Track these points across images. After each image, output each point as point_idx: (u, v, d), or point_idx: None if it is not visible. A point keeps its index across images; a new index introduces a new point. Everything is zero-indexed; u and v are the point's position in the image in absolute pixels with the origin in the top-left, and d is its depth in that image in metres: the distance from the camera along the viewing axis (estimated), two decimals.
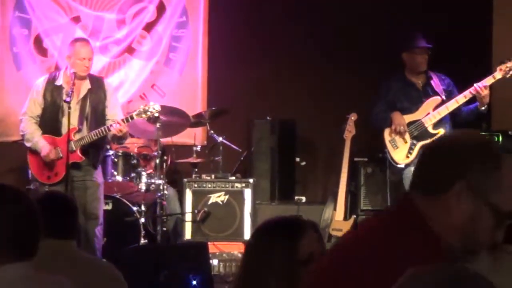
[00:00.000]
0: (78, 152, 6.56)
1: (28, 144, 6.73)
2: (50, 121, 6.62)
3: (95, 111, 6.67)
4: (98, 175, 6.74)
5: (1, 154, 8.50)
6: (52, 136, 6.61)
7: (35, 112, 6.67)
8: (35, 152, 6.66)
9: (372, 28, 8.92)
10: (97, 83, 6.75)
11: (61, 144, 6.53)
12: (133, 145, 7.86)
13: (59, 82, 6.66)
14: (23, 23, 8.76)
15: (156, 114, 6.91)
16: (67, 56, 6.81)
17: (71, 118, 6.50)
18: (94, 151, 6.68)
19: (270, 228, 2.45)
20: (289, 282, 2.31)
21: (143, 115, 6.74)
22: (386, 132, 7.13)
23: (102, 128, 6.53)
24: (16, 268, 2.35)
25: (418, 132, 7.01)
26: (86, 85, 6.67)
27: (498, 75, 6.78)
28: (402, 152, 7.06)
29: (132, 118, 6.59)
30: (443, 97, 7.04)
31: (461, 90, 7.01)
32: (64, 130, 6.57)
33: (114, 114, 6.74)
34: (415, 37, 7.19)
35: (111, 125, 6.50)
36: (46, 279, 2.45)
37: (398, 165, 7.08)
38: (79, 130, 6.61)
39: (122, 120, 6.52)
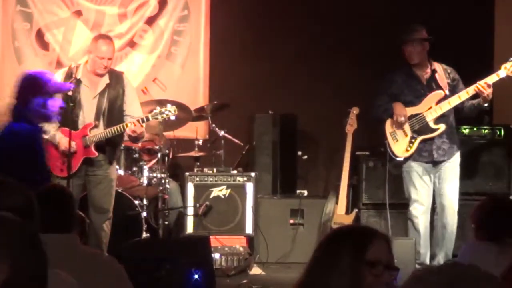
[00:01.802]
0: (92, 148, 6.54)
1: (45, 136, 6.74)
2: (67, 114, 6.60)
3: (112, 106, 6.61)
4: (112, 171, 6.73)
5: None
6: (69, 130, 6.60)
7: None
8: (51, 144, 6.65)
9: (374, 22, 8.91)
10: (116, 78, 6.69)
11: (76, 138, 6.51)
12: None
13: (78, 75, 6.63)
14: (24, 17, 8.76)
15: (173, 117, 6.86)
16: (87, 50, 6.81)
17: (87, 113, 6.52)
18: (111, 147, 6.66)
19: (343, 232, 2.51)
20: (354, 282, 2.35)
21: (158, 117, 6.72)
22: (388, 123, 7.10)
23: (118, 126, 6.49)
24: None
25: (419, 126, 6.99)
26: (104, 80, 6.62)
27: (502, 73, 6.77)
28: (402, 145, 7.04)
29: (147, 119, 6.55)
30: (447, 91, 7.01)
31: (463, 85, 7.02)
32: (80, 124, 6.57)
33: (133, 111, 6.68)
34: (408, 29, 7.15)
35: (126, 125, 6.48)
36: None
37: (397, 158, 7.06)
38: (95, 126, 6.58)
39: (138, 120, 6.49)
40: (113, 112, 6.62)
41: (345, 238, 2.44)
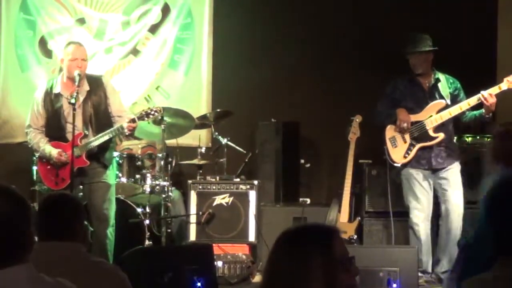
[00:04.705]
0: (84, 157, 6.54)
1: (37, 154, 6.76)
2: (54, 129, 6.62)
3: (97, 112, 6.63)
4: (109, 176, 6.72)
5: (6, 156, 8.53)
6: (60, 143, 6.61)
7: (38, 124, 6.67)
8: (43, 160, 6.67)
9: (376, 31, 8.92)
10: (95, 83, 6.70)
11: (67, 150, 6.52)
12: (136, 146, 7.86)
13: (57, 90, 6.64)
14: (28, 24, 8.78)
15: (159, 117, 6.89)
16: (60, 59, 6.80)
17: (75, 124, 6.46)
18: (102, 152, 6.67)
19: (303, 234, 2.39)
20: (329, 283, 2.28)
21: (145, 118, 6.74)
22: (388, 129, 7.17)
23: (113, 129, 6.51)
24: (18, 270, 2.33)
25: (419, 133, 7.04)
26: (84, 87, 6.62)
27: (504, 86, 6.80)
28: (400, 152, 7.10)
29: (134, 121, 6.57)
30: (448, 101, 7.05)
31: (465, 95, 7.04)
32: (69, 135, 6.56)
33: (119, 111, 6.70)
34: (414, 39, 7.19)
35: (122, 127, 6.50)
36: (49, 281, 2.45)
37: (395, 164, 7.12)
38: (85, 136, 6.58)
39: (131, 120, 6.52)
40: (99, 117, 6.63)
41: (310, 240, 2.34)
